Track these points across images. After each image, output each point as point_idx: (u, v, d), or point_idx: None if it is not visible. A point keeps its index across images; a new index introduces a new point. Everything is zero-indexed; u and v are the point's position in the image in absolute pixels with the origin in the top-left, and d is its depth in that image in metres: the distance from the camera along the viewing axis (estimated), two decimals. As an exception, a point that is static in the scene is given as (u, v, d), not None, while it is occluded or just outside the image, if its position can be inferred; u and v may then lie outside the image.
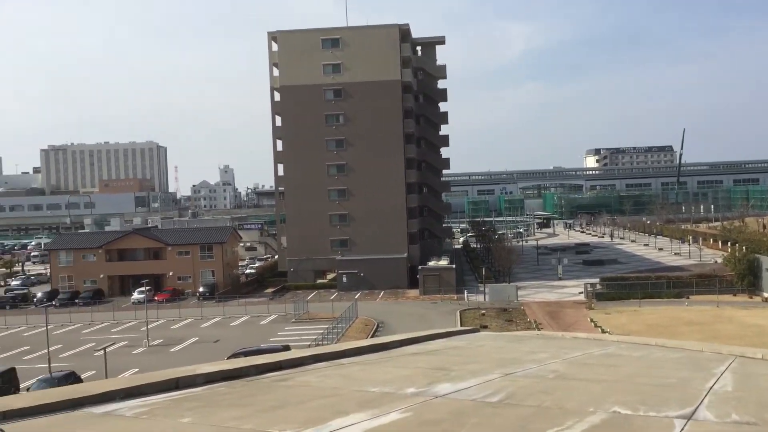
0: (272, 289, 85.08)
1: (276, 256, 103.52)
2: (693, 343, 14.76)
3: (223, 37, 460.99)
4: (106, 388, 7.58)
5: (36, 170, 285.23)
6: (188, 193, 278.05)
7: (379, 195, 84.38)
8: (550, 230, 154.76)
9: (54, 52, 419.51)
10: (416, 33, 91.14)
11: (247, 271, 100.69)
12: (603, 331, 48.88)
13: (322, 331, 51.73)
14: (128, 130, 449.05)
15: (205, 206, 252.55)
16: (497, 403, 7.38)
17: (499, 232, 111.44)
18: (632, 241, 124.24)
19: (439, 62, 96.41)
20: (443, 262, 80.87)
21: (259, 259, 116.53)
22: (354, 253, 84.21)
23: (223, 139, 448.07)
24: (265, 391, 8.23)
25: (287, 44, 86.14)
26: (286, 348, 41.88)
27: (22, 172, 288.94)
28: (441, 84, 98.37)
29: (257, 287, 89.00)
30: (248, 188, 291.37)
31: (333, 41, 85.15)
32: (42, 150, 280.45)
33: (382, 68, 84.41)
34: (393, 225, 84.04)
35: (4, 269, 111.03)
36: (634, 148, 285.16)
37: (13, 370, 41.51)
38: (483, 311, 63.57)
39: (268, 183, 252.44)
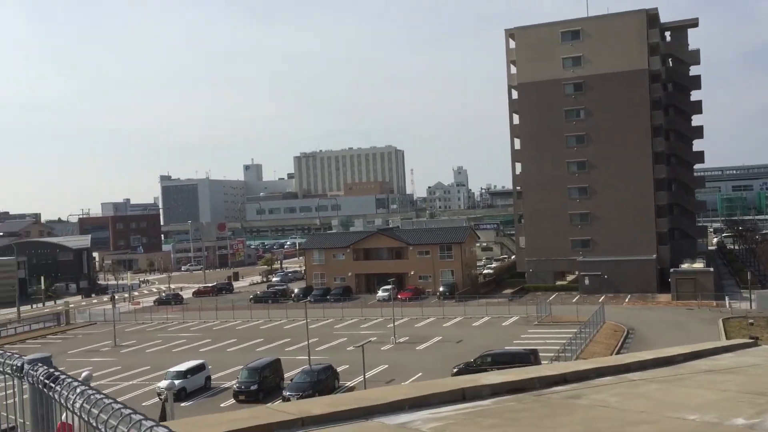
0: (511, 290, 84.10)
1: (513, 257, 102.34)
2: None
3: (455, 38, 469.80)
4: (394, 397, 7.24)
5: (290, 176, 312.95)
6: (423, 194, 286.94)
7: (623, 192, 79.77)
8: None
9: (299, 68, 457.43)
10: (664, 17, 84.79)
11: (485, 271, 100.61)
12: None
13: (570, 336, 49.61)
14: (369, 136, 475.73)
15: (439, 207, 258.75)
16: None
17: (762, 232, 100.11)
18: None
19: (691, 47, 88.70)
20: (698, 265, 74.26)
21: (496, 260, 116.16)
22: (596, 254, 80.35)
23: (457, 140, 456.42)
24: (562, 411, 7.33)
25: (525, 40, 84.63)
26: (534, 352, 40.76)
27: (279, 178, 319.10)
28: (693, 70, 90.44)
29: (495, 287, 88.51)
30: (482, 188, 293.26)
31: (573, 33, 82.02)
32: (295, 157, 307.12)
33: (626, 58, 79.64)
34: (639, 224, 78.94)
35: (266, 266, 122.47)
36: None
37: (278, 361, 45.12)
38: (750, 320, 56.89)
39: (500, 183, 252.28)
